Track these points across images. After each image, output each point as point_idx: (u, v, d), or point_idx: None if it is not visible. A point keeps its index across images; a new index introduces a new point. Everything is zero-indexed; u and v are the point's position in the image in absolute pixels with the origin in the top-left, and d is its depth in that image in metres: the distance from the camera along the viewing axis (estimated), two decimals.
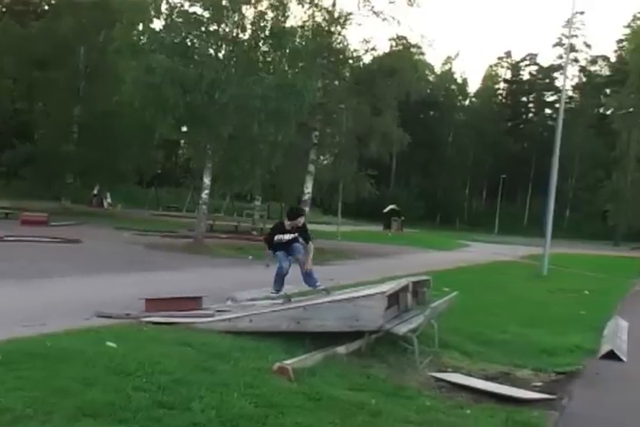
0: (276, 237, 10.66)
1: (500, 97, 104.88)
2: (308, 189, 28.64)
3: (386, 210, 56.80)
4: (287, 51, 25.07)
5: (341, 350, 8.03)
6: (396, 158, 72.85)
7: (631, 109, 51.95)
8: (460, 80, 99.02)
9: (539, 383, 8.54)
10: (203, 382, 6.09)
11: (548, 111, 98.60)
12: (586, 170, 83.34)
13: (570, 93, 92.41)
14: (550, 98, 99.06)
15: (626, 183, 52.76)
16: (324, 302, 8.46)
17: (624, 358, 10.21)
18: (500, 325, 12.24)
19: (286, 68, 25.64)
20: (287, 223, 10.68)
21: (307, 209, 28.43)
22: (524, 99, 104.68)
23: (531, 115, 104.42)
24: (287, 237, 10.61)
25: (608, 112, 77.74)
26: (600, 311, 15.89)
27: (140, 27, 27.43)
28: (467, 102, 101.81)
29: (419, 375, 8.07)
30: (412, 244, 38.01)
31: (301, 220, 10.74)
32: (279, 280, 10.66)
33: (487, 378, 8.50)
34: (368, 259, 26.70)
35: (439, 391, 7.60)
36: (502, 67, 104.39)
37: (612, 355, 10.22)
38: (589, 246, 53.66)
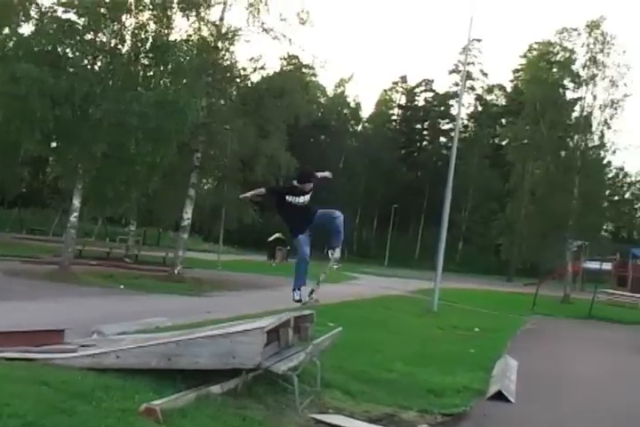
0: (287, 199, 9.94)
1: (394, 123, 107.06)
2: (188, 214, 28.31)
3: (270, 238, 56.72)
4: (170, 66, 24.88)
5: (216, 389, 7.90)
6: (283, 184, 73.15)
7: (526, 141, 53.51)
8: (353, 104, 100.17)
9: (424, 426, 8.63)
10: (59, 425, 5.84)
11: (442, 140, 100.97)
12: (480, 202, 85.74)
13: (465, 122, 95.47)
14: (445, 126, 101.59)
15: (519, 216, 54.30)
16: (197, 337, 8.33)
17: (512, 400, 10.45)
18: (386, 363, 12.32)
19: (168, 85, 25.38)
20: (299, 186, 10.04)
21: (185, 236, 28.19)
22: (419, 126, 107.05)
23: (425, 143, 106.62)
24: (302, 199, 9.98)
25: (503, 143, 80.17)
26: (490, 350, 16.27)
27: (6, 30, 26.56)
28: (359, 128, 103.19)
29: (298, 417, 8.02)
30: None
31: (311, 184, 10.09)
32: (299, 276, 9.91)
33: (371, 420, 8.53)
34: (249, 291, 26.57)
35: None
36: (397, 92, 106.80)
37: (500, 396, 10.45)
38: (482, 281, 55.10)
